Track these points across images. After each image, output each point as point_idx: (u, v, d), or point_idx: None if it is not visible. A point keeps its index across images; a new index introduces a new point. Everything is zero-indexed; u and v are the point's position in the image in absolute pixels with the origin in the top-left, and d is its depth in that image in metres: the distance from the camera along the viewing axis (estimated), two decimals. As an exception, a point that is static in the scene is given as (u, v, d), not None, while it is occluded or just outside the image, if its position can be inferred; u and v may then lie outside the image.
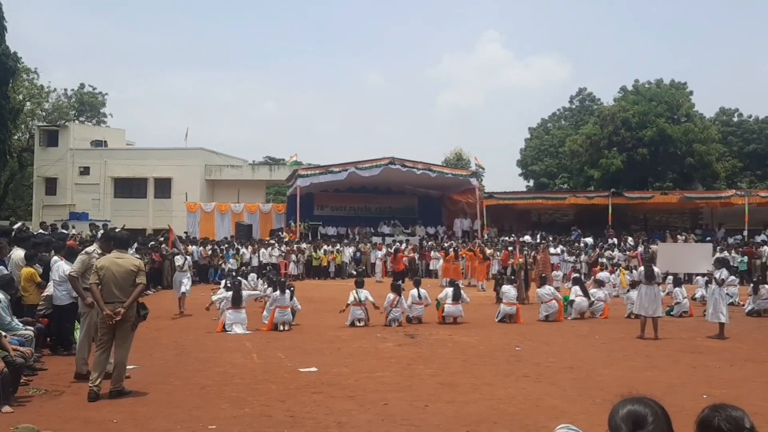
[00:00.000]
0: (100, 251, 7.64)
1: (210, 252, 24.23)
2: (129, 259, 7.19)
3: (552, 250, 23.84)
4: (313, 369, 8.53)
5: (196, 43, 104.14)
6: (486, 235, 29.02)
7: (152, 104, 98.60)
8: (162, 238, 23.43)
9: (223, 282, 15.59)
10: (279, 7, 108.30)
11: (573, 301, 14.56)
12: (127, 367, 7.66)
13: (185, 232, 29.17)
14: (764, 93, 78.48)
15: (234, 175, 39.10)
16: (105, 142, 40.21)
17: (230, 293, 12.47)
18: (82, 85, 50.53)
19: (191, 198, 34.05)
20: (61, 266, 9.28)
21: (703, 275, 16.55)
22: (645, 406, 2.03)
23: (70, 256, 9.55)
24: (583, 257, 24.95)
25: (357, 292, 12.90)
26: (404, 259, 24.16)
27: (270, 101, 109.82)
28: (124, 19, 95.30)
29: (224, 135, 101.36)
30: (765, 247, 24.29)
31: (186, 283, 14.86)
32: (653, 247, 23.12)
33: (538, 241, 26.63)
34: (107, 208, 37.02)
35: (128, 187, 38.35)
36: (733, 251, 24.29)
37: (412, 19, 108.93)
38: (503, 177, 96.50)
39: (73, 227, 24.30)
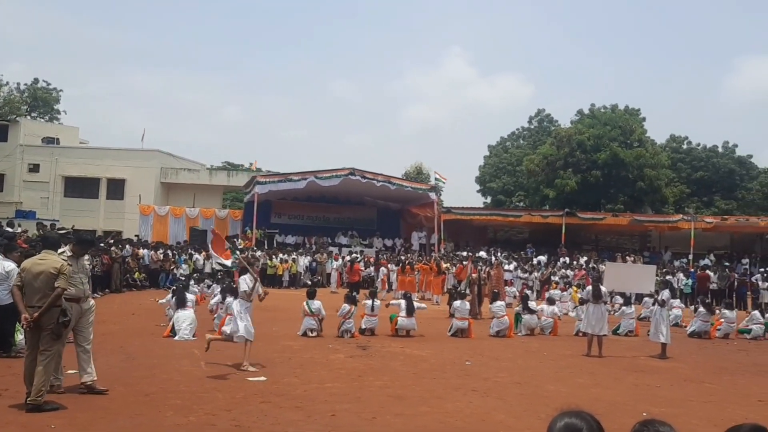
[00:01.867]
0: (70, 253, 7.31)
1: (162, 256, 23.76)
2: (51, 261, 6.59)
3: (506, 266, 24.20)
4: (262, 378, 8.43)
5: (159, 41, 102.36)
6: (442, 250, 29.27)
7: (109, 103, 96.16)
8: (112, 240, 22.86)
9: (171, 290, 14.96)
10: (246, 10, 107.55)
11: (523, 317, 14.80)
12: (68, 372, 7.41)
13: (136, 235, 28.51)
14: (713, 123, 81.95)
15: (190, 179, 38.38)
16: (57, 139, 39.13)
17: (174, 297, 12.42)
18: (36, 80, 49.23)
19: (145, 200, 33.34)
20: (1, 264, 8.96)
21: (649, 296, 17.07)
22: (581, 419, 2.11)
23: (8, 252, 9.24)
24: (535, 274, 25.41)
25: (309, 303, 12.83)
26: (360, 270, 24.15)
27: (233, 105, 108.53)
28: (84, 14, 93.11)
29: (183, 138, 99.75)
30: (708, 270, 25.16)
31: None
32: (601, 267, 23.67)
33: (493, 257, 26.98)
34: (56, 208, 35.90)
35: (79, 187, 37.27)
36: (680, 273, 25.16)
37: (377, 31, 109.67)
38: (462, 193, 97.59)
39: (19, 225, 23.44)
